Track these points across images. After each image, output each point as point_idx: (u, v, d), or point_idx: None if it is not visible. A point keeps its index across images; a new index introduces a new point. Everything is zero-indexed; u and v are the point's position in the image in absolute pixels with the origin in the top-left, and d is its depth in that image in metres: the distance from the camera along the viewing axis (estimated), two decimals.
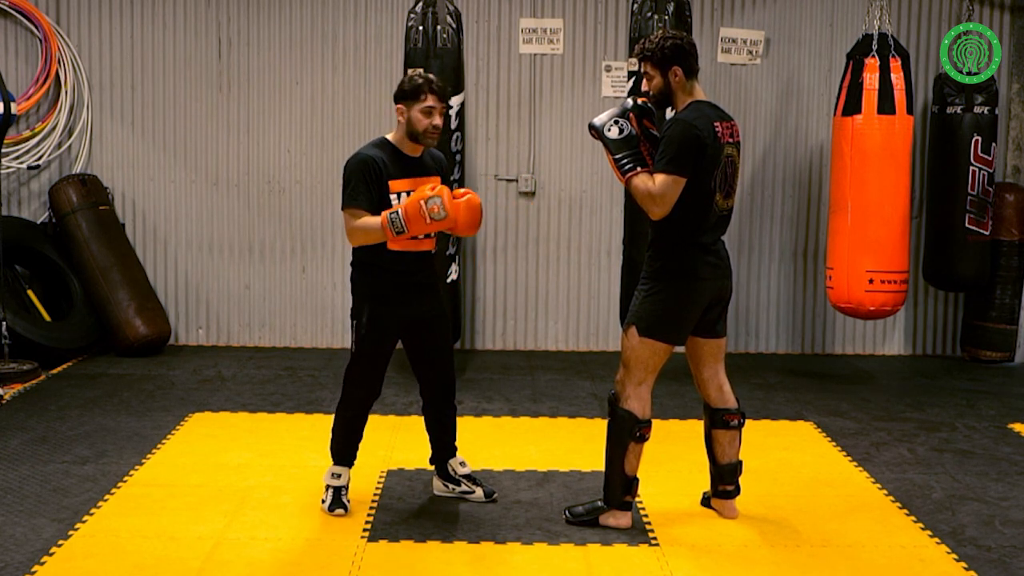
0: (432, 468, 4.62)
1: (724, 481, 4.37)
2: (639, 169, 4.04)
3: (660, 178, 3.97)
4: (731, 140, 4.10)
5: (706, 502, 4.48)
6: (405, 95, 4.13)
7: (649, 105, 4.18)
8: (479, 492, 4.49)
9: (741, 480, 4.75)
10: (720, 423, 4.31)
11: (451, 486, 4.52)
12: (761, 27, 7.48)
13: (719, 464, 4.35)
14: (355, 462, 4.43)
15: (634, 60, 6.39)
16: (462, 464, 4.55)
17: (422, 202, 3.93)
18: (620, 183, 4.12)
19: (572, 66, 7.47)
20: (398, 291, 4.20)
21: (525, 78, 7.47)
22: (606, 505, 4.24)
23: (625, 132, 4.08)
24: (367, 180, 4.08)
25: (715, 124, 4.02)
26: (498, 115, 7.46)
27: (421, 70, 4.16)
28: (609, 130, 4.10)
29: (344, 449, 4.38)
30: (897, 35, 7.17)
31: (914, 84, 6.98)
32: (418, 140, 4.15)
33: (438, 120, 4.14)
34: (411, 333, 4.33)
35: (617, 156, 4.07)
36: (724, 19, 7.48)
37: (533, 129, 7.48)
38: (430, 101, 4.11)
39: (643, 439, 4.16)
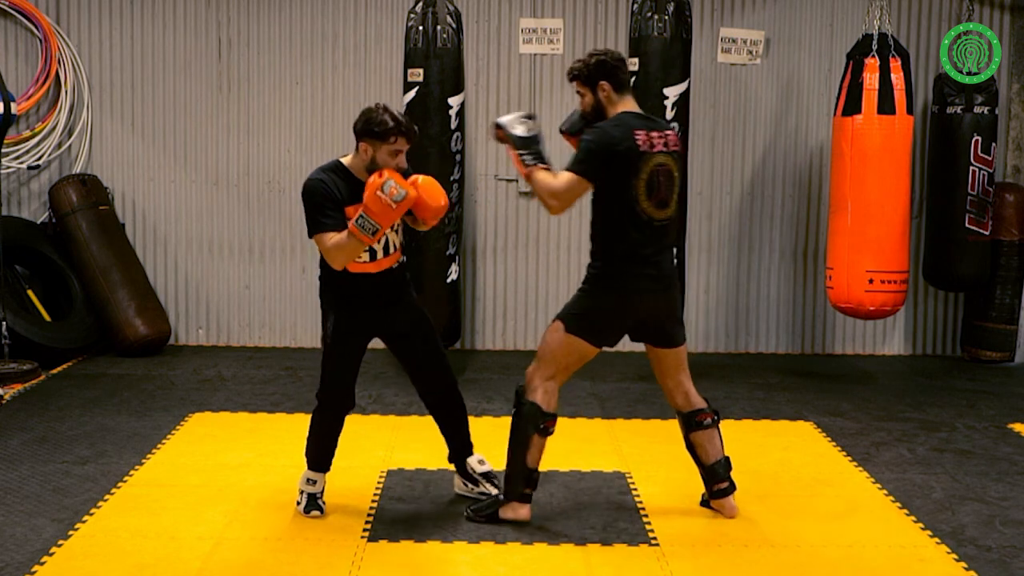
0: (449, 466, 4.60)
1: (717, 480, 4.37)
2: (539, 164, 4.13)
3: (565, 175, 4.06)
4: (663, 149, 4.09)
5: (705, 503, 4.48)
6: (373, 135, 4.00)
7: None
8: (496, 493, 4.46)
9: (741, 480, 4.76)
10: (695, 425, 4.33)
11: (470, 485, 4.51)
12: (761, 27, 7.48)
13: (707, 465, 4.36)
14: (330, 468, 4.40)
15: (635, 61, 6.40)
16: (480, 462, 4.52)
17: (378, 192, 3.88)
18: (522, 175, 4.21)
19: None
20: (364, 301, 4.18)
21: (525, 78, 7.47)
22: (505, 498, 4.25)
23: (531, 132, 4.20)
24: (329, 202, 4.03)
25: (636, 133, 4.04)
26: (498, 115, 7.45)
27: (387, 107, 4.02)
28: (515, 128, 4.20)
29: (319, 455, 4.36)
30: (897, 35, 7.16)
31: (914, 84, 6.98)
32: None
33: (404, 162, 4.06)
34: (392, 343, 4.34)
35: (521, 151, 4.16)
36: (724, 19, 7.48)
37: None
38: (399, 144, 4.02)
39: (547, 432, 4.19)
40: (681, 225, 6.47)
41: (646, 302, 4.14)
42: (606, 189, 4.08)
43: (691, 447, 4.38)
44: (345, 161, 4.15)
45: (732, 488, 4.39)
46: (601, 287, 4.13)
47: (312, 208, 4.05)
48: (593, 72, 4.14)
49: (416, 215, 4.13)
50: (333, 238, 4.01)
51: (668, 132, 4.17)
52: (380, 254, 4.14)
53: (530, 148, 4.17)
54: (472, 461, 4.52)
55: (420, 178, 4.08)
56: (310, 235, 4.08)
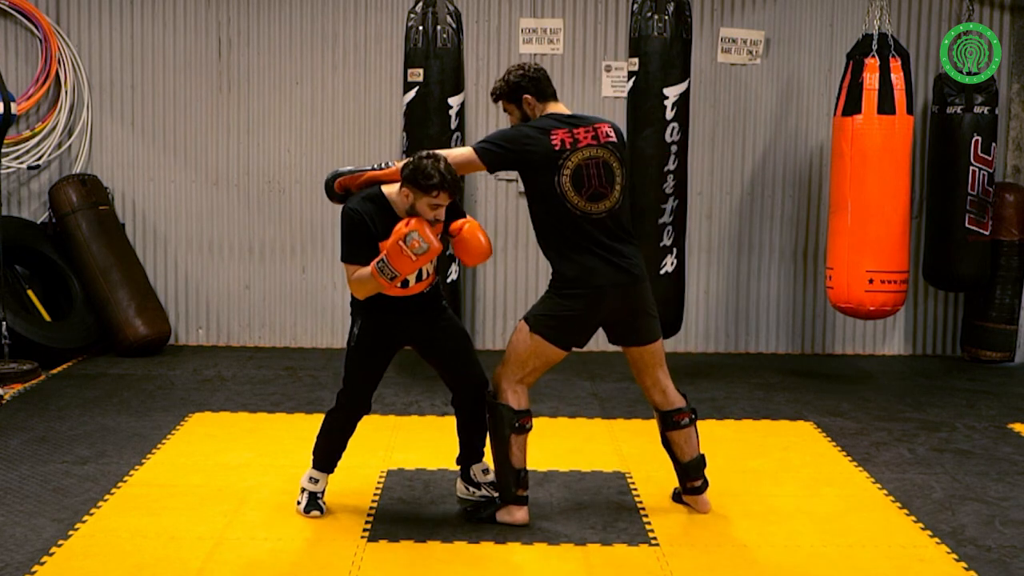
0: (455, 467, 4.60)
1: (690, 477, 4.39)
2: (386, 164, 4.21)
3: (465, 148, 4.17)
4: (594, 143, 4.09)
5: (677, 498, 4.50)
6: (417, 185, 3.96)
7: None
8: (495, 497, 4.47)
9: (741, 480, 4.77)
10: (671, 424, 4.33)
11: (472, 489, 4.51)
12: (761, 27, 7.48)
13: (683, 463, 4.37)
14: (334, 469, 4.41)
15: (635, 61, 6.40)
16: (485, 471, 4.52)
17: (400, 242, 3.88)
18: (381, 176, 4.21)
19: (572, 66, 7.47)
20: (393, 308, 4.16)
21: None
22: (501, 501, 4.25)
23: (353, 166, 4.30)
24: (361, 236, 4.03)
25: (552, 132, 4.06)
26: (498, 115, 7.45)
27: (437, 157, 3.98)
28: (344, 168, 4.26)
29: (327, 456, 4.36)
30: (897, 35, 7.17)
31: (914, 84, 6.98)
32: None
33: (442, 215, 4.04)
34: (422, 349, 4.34)
35: (363, 168, 4.20)
36: (724, 19, 7.48)
37: None
38: (440, 199, 3.99)
39: (524, 429, 4.18)
40: (681, 225, 6.47)
41: (609, 296, 4.11)
42: (535, 190, 4.10)
43: (667, 444, 4.39)
44: (388, 192, 4.11)
45: (705, 485, 4.41)
46: (562, 286, 4.12)
47: (344, 237, 4.08)
48: (513, 88, 4.20)
49: (458, 256, 4.15)
50: (357, 272, 4.03)
51: (599, 124, 4.16)
52: (412, 282, 4.11)
53: (360, 168, 4.22)
54: (476, 468, 4.52)
55: (466, 226, 4.08)
56: (343, 260, 4.10)
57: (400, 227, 3.92)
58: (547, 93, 4.21)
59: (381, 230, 4.02)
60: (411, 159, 4.00)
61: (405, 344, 4.31)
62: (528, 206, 4.19)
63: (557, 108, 4.21)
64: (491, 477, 4.51)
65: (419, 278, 4.13)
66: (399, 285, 4.04)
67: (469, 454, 4.51)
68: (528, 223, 7.54)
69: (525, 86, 4.18)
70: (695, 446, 4.37)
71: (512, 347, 4.19)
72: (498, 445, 4.19)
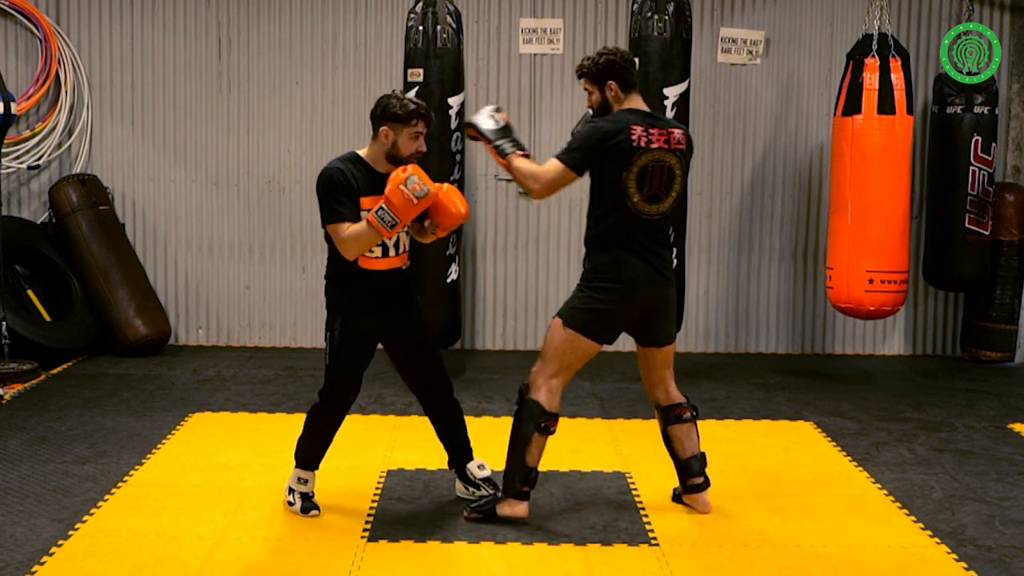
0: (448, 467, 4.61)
1: (692, 474, 4.39)
2: (518, 152, 4.19)
3: (552, 162, 4.12)
4: (664, 146, 4.10)
5: (677, 498, 4.50)
6: (397, 118, 4.06)
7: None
8: (494, 492, 4.47)
9: (741, 480, 4.77)
10: (673, 418, 4.35)
11: (471, 489, 4.51)
12: (761, 27, 7.48)
13: (683, 459, 4.38)
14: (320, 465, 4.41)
15: (635, 60, 6.39)
16: (480, 467, 4.52)
17: (401, 186, 3.91)
18: (501, 166, 4.28)
19: (572, 66, 7.43)
20: (371, 302, 4.18)
21: (525, 78, 7.47)
22: (503, 494, 4.25)
23: (500, 123, 4.29)
24: (344, 193, 4.04)
25: (632, 128, 4.06)
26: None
27: (409, 93, 4.13)
28: (485, 122, 4.28)
29: (314, 454, 4.36)
30: (897, 35, 7.17)
31: (914, 84, 6.98)
32: (398, 163, 4.10)
33: (423, 146, 4.13)
34: (392, 344, 4.32)
35: (496, 142, 4.22)
36: (724, 19, 7.48)
37: (533, 129, 7.48)
38: (420, 127, 4.09)
39: (548, 432, 4.20)
40: (681, 225, 6.47)
41: (642, 295, 4.15)
42: (600, 181, 4.12)
43: (668, 440, 4.40)
44: (362, 153, 4.17)
45: (706, 484, 4.41)
46: (599, 280, 4.14)
47: (328, 197, 4.06)
48: (602, 71, 4.17)
49: (435, 219, 4.15)
50: (349, 228, 4.02)
51: (673, 130, 4.18)
52: (392, 251, 4.15)
53: (503, 138, 4.24)
54: (472, 466, 4.52)
55: (444, 185, 4.12)
56: (324, 224, 4.08)
57: (397, 173, 3.95)
58: (631, 84, 4.21)
59: (363, 186, 4.07)
60: (376, 103, 4.11)
61: (381, 339, 4.29)
62: (590, 197, 4.19)
63: (637, 102, 4.21)
64: (487, 472, 4.52)
65: (396, 250, 4.17)
66: (380, 253, 4.09)
67: (460, 454, 4.51)
68: (528, 224, 7.58)
69: (615, 72, 4.17)
70: (696, 443, 4.38)
71: (548, 343, 4.20)
72: (517, 439, 4.20)
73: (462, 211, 4.13)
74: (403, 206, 3.92)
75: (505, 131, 4.27)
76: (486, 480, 4.49)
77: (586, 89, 4.25)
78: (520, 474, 4.20)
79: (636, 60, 6.39)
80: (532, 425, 4.17)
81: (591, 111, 4.29)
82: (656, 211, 4.13)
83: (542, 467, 4.87)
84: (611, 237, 4.11)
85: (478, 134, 4.28)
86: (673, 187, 4.16)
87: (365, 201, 4.06)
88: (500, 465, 4.94)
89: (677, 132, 4.19)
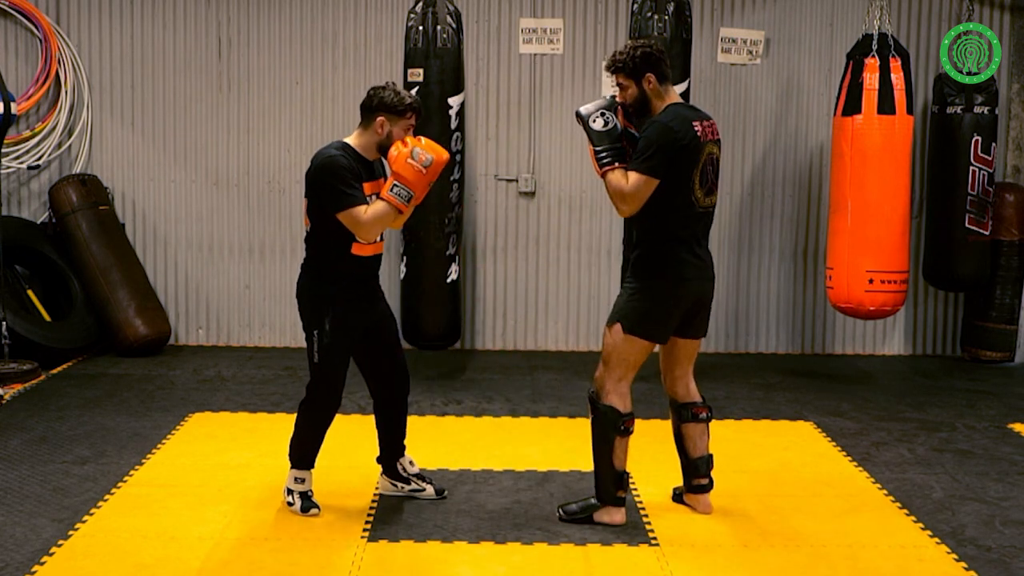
0: (378, 467, 4.61)
1: (698, 474, 4.39)
2: (616, 164, 4.09)
3: (634, 177, 4.02)
4: (712, 138, 4.13)
5: (678, 498, 4.50)
6: (393, 109, 4.09)
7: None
8: (429, 489, 4.51)
9: (741, 480, 4.76)
10: (690, 417, 4.35)
11: (400, 484, 4.53)
12: (761, 27, 7.48)
13: (691, 458, 4.38)
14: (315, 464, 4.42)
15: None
16: (411, 463, 4.56)
17: (408, 160, 3.98)
18: (596, 174, 4.17)
19: (572, 66, 7.47)
20: (357, 295, 4.20)
21: (525, 78, 7.47)
22: (600, 502, 4.25)
23: (609, 125, 4.12)
24: (353, 176, 4.06)
25: (694, 124, 4.06)
26: (498, 115, 7.46)
27: (400, 86, 4.17)
28: (594, 121, 4.14)
29: (309, 453, 4.37)
30: (897, 35, 7.16)
31: (914, 84, 6.98)
32: (387, 153, 4.13)
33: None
34: (367, 337, 4.33)
35: (598, 148, 4.11)
36: (724, 19, 7.48)
37: (533, 129, 7.48)
38: (413, 120, 4.15)
39: (627, 432, 4.19)
40: None
41: (693, 288, 4.16)
42: (667, 181, 4.04)
43: (680, 438, 4.40)
44: (350, 141, 4.18)
45: (710, 486, 4.41)
46: (651, 280, 4.12)
47: (337, 182, 4.02)
48: (640, 64, 4.09)
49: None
50: (367, 210, 4.03)
51: (712, 121, 4.21)
52: (377, 237, 4.21)
53: (606, 144, 4.10)
54: (404, 461, 4.55)
55: (422, 138, 4.15)
56: (337, 211, 4.03)
57: (398, 148, 4.02)
58: (667, 76, 4.16)
59: (362, 173, 4.11)
60: (372, 95, 4.13)
61: (366, 331, 4.29)
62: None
63: (675, 95, 4.20)
64: (416, 468, 4.56)
65: (380, 235, 4.23)
66: (376, 240, 4.16)
67: (395, 448, 4.53)
68: (528, 224, 7.58)
69: (652, 64, 4.10)
70: (706, 444, 4.38)
71: (609, 349, 4.17)
72: (601, 447, 4.19)
73: (444, 156, 4.11)
74: (415, 178, 3.99)
75: (610, 137, 4.10)
76: (416, 476, 4.53)
77: (620, 84, 4.15)
78: (612, 480, 4.20)
79: None
80: (612, 430, 4.16)
81: (607, 102, 4.18)
82: (711, 203, 4.18)
83: (542, 467, 4.88)
84: (671, 233, 4.09)
85: (584, 128, 4.15)
86: (718, 179, 4.22)
87: (368, 186, 4.11)
88: (501, 466, 4.95)
89: (715, 123, 4.23)
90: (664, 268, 4.11)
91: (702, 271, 4.18)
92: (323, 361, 4.20)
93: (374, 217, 4.03)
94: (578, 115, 4.19)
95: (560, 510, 4.31)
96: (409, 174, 3.99)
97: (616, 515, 4.23)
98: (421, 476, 4.55)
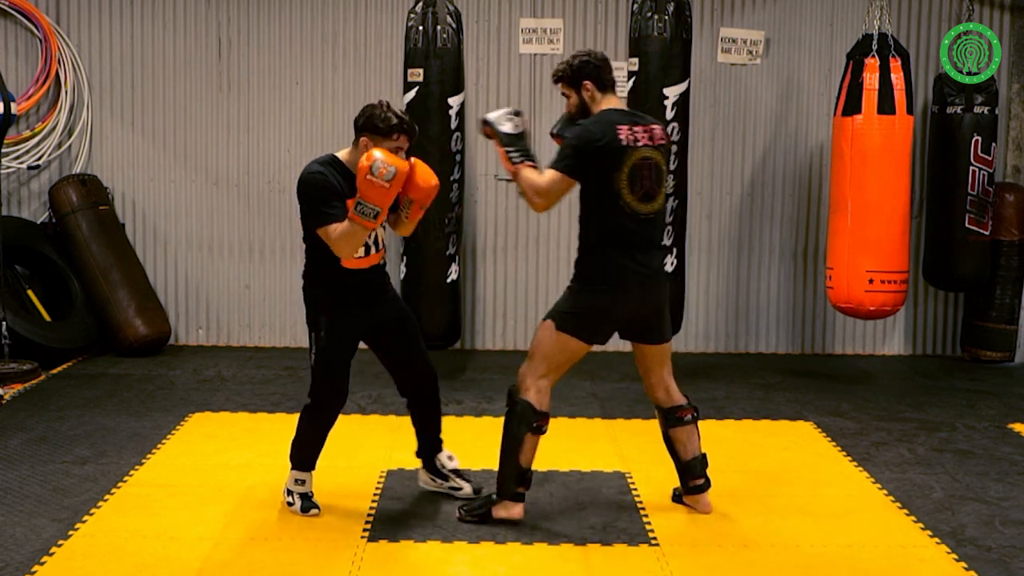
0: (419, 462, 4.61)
1: (694, 475, 4.40)
2: (526, 162, 4.15)
3: (549, 173, 4.09)
4: (649, 143, 4.12)
5: (678, 499, 4.50)
6: (377, 130, 4.03)
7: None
8: (467, 488, 4.50)
9: (741, 480, 4.76)
10: (674, 421, 4.35)
11: (439, 480, 4.53)
12: (761, 27, 7.48)
13: (684, 461, 4.39)
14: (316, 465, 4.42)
15: (635, 61, 6.40)
16: (450, 458, 4.55)
17: (368, 176, 3.89)
18: (508, 173, 4.24)
19: None
20: (353, 298, 4.19)
21: (525, 78, 7.47)
22: (498, 496, 4.25)
23: (519, 129, 4.24)
24: (331, 194, 4.03)
25: (618, 128, 4.07)
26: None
27: (389, 104, 4.09)
28: (503, 124, 4.23)
29: (310, 455, 4.37)
30: (897, 35, 7.16)
31: (914, 84, 6.98)
32: None
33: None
34: (375, 338, 4.33)
35: (508, 148, 4.19)
36: (724, 19, 7.48)
37: (533, 129, 7.46)
38: (400, 142, 4.06)
39: (540, 431, 4.19)
40: (681, 225, 6.47)
41: (635, 296, 4.15)
42: (590, 184, 4.11)
43: (669, 442, 4.41)
44: (341, 155, 4.17)
45: (707, 485, 4.41)
46: (590, 283, 4.14)
47: (315, 200, 4.04)
48: (577, 72, 4.20)
49: (408, 195, 4.13)
50: (338, 228, 4.01)
51: (654, 127, 4.19)
52: (372, 249, 4.18)
53: (517, 145, 4.21)
54: (442, 457, 4.54)
55: (412, 159, 4.11)
56: (315, 228, 4.06)
57: (362, 163, 3.92)
58: (607, 84, 4.22)
59: (345, 189, 4.05)
60: (362, 112, 4.07)
61: (365, 333, 4.29)
62: (579, 199, 4.18)
63: (614, 101, 4.23)
64: (456, 463, 4.54)
65: (376, 247, 4.18)
66: (362, 253, 4.10)
67: (432, 445, 4.52)
68: (528, 224, 7.58)
69: (589, 72, 4.18)
70: (697, 444, 4.38)
71: (537, 344, 4.20)
72: (510, 440, 4.19)
73: (432, 182, 4.12)
74: (377, 194, 3.91)
75: (519, 138, 4.23)
76: (455, 472, 4.51)
77: (563, 94, 4.27)
78: (514, 475, 4.20)
79: (629, 60, 6.44)
80: (524, 426, 4.16)
81: (566, 116, 4.29)
82: (650, 210, 4.14)
83: (543, 467, 4.88)
84: (607, 239, 4.11)
85: (493, 132, 4.24)
86: (662, 184, 4.18)
87: (349, 203, 4.04)
88: (493, 465, 4.95)
89: (658, 128, 4.20)
90: (604, 274, 4.11)
91: (647, 278, 4.15)
92: (320, 363, 4.21)
93: (341, 235, 4.00)
94: (485, 121, 4.26)
95: (460, 510, 4.30)
96: (369, 190, 3.90)
97: (514, 510, 4.22)
98: (459, 473, 4.53)
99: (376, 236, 4.20)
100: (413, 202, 4.16)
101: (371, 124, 4.03)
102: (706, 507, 4.40)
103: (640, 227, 4.12)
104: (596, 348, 7.39)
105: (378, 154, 3.92)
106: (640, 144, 4.09)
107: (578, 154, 4.06)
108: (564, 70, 4.23)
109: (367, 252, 4.16)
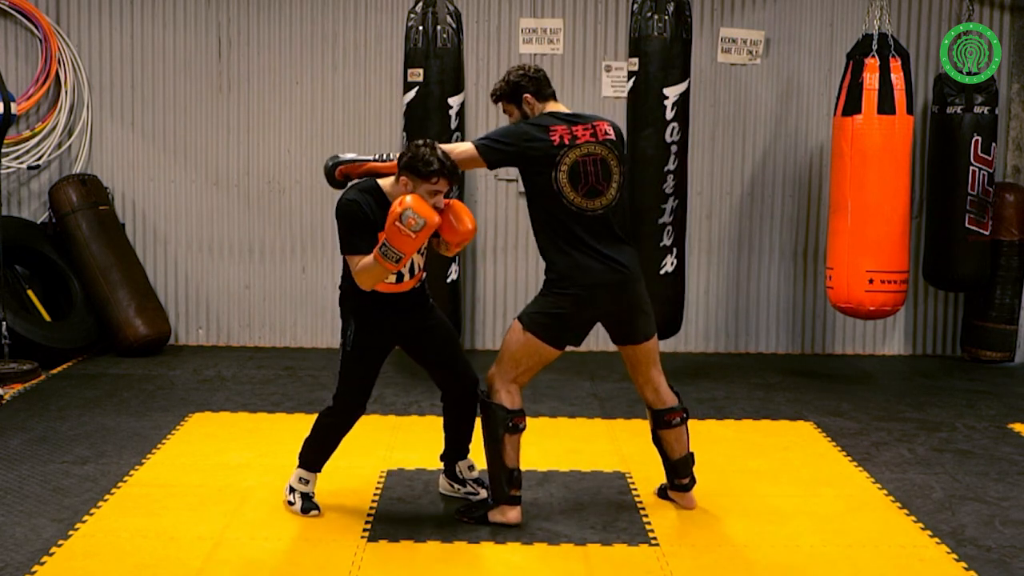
0: (440, 465, 4.60)
1: (679, 475, 4.41)
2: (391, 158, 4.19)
3: (466, 144, 4.15)
4: (592, 139, 4.11)
5: (663, 494, 4.52)
6: (417, 173, 3.97)
7: None
8: (483, 495, 4.48)
9: (741, 480, 4.76)
10: (663, 423, 4.35)
11: (456, 486, 4.52)
12: (761, 27, 7.48)
13: (672, 460, 4.40)
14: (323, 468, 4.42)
15: (635, 61, 6.40)
16: (471, 468, 4.53)
17: (396, 223, 3.88)
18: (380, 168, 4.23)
19: (572, 66, 7.47)
20: (382, 314, 4.18)
21: None
22: (493, 501, 4.26)
23: (354, 153, 4.34)
24: (362, 226, 4.03)
25: (552, 128, 4.08)
26: (498, 115, 7.45)
27: (435, 144, 4.04)
28: (345, 155, 4.28)
29: (319, 456, 4.37)
30: (897, 35, 7.17)
31: (914, 84, 6.98)
32: None
33: (441, 203, 4.04)
34: (411, 346, 4.34)
35: (367, 158, 4.23)
36: (724, 19, 7.48)
37: None
38: (439, 185, 4.00)
39: (517, 429, 4.19)
40: (681, 225, 6.47)
41: (603, 296, 4.12)
42: (532, 185, 4.13)
43: (658, 442, 4.41)
44: (383, 184, 4.13)
45: (692, 484, 4.43)
46: (556, 286, 4.14)
47: (346, 230, 4.07)
48: (515, 88, 4.22)
49: (443, 237, 4.15)
50: (362, 262, 4.01)
51: (599, 123, 4.18)
52: (407, 276, 4.15)
53: (366, 156, 4.26)
54: (463, 465, 4.53)
55: (451, 203, 4.10)
56: (342, 253, 4.11)
57: (394, 207, 3.91)
58: (546, 93, 4.23)
59: (380, 220, 4.02)
60: (407, 148, 4.03)
61: (397, 343, 4.31)
62: (527, 204, 4.21)
63: (555, 106, 4.24)
64: (476, 474, 4.52)
65: (411, 273, 4.16)
66: (395, 280, 4.08)
67: (457, 450, 4.51)
68: (528, 224, 7.56)
69: (525, 85, 4.20)
70: (685, 445, 4.39)
71: (506, 346, 4.20)
72: (491, 444, 4.19)
73: (468, 227, 4.10)
74: (403, 242, 3.89)
75: (355, 158, 4.27)
76: (476, 481, 4.50)
77: (506, 111, 4.30)
78: (503, 478, 4.19)
79: (629, 60, 6.44)
80: (501, 427, 4.16)
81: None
82: (598, 206, 4.10)
83: (542, 467, 4.88)
84: (564, 238, 4.09)
85: (351, 165, 4.22)
86: (612, 179, 4.14)
87: (381, 235, 3.98)
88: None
89: (603, 124, 4.18)
90: (569, 274, 4.10)
91: (612, 276, 4.12)
92: (345, 367, 4.22)
93: (363, 269, 4.00)
94: (335, 165, 4.24)
95: (456, 512, 4.30)
96: (396, 236, 3.89)
97: (510, 513, 4.21)
98: (479, 481, 4.51)
99: (412, 263, 4.16)
100: (448, 244, 4.18)
101: (412, 165, 3.97)
102: (690, 503, 4.42)
103: (591, 224, 4.09)
104: (596, 348, 7.38)
105: (410, 201, 3.90)
106: (580, 141, 4.08)
107: (503, 144, 4.09)
108: (502, 88, 4.25)
109: (399, 279, 4.13)
